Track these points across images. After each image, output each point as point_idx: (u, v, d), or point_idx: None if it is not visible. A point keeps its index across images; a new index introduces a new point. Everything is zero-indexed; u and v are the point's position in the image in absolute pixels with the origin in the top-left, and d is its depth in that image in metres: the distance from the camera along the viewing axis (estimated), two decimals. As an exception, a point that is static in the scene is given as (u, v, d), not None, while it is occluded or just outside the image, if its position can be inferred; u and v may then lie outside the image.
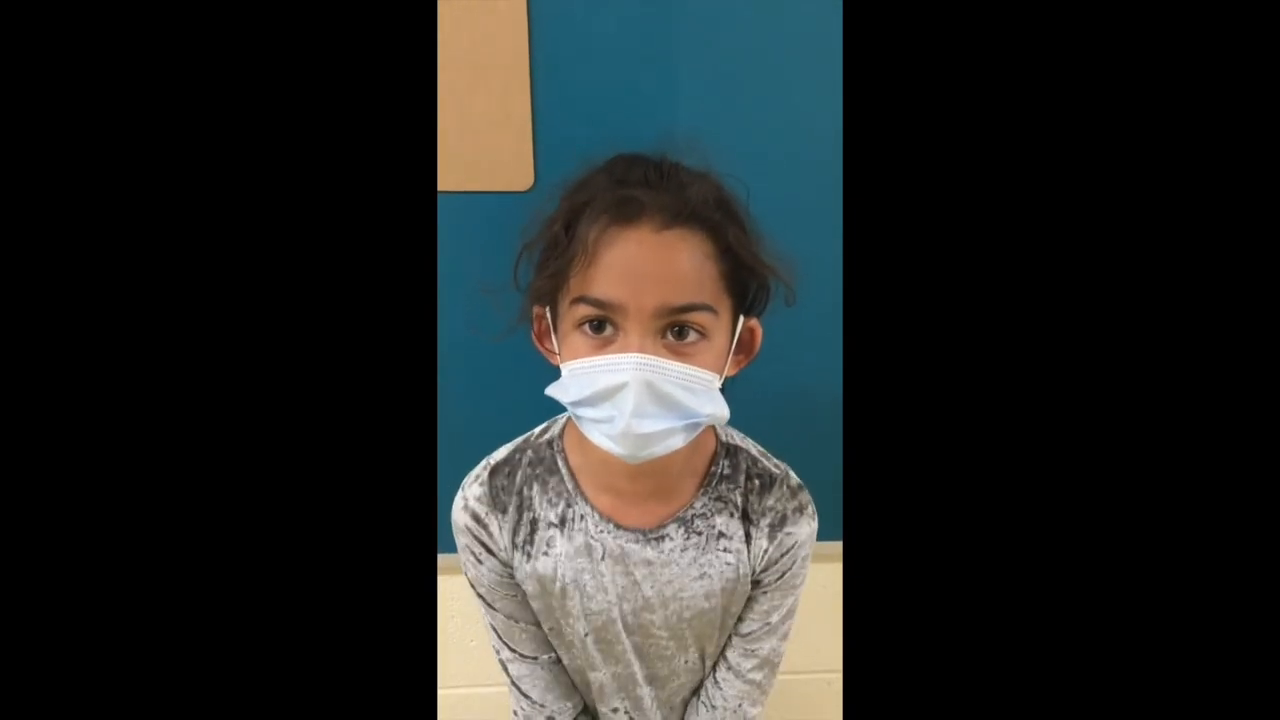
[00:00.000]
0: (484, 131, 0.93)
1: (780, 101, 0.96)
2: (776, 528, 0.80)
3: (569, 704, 0.89)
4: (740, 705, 0.87)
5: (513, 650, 0.86)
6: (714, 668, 0.88)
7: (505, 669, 0.88)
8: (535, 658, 0.86)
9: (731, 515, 0.80)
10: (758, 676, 0.86)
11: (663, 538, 0.79)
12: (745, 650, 0.86)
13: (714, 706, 0.87)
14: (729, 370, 0.72)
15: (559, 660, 0.88)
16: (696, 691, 0.90)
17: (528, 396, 0.87)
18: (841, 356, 0.51)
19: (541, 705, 0.87)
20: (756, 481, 0.81)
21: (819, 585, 1.19)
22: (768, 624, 0.84)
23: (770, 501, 0.81)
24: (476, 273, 0.93)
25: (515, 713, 0.90)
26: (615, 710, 0.88)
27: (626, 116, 0.95)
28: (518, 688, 0.87)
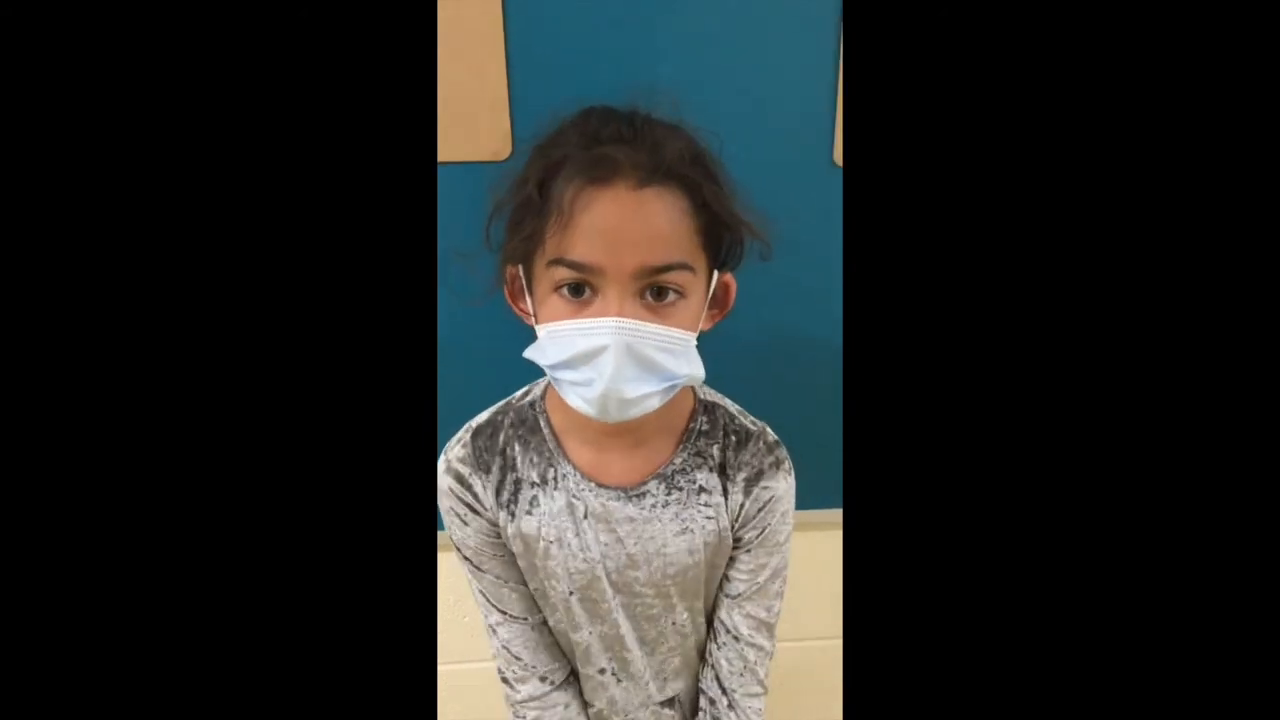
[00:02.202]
0: (459, 100, 0.91)
1: (764, 64, 0.93)
2: (752, 482, 0.81)
3: (558, 665, 0.89)
4: (744, 671, 0.87)
5: (502, 612, 0.85)
6: (714, 634, 0.88)
7: (494, 633, 0.87)
8: (525, 618, 0.86)
9: (711, 470, 0.80)
10: (759, 639, 0.86)
11: (644, 494, 0.79)
12: (743, 613, 0.85)
13: (722, 673, 0.87)
14: (704, 325, 0.72)
15: (546, 622, 0.88)
16: (689, 661, 0.90)
17: (523, 369, 0.87)
18: (841, 324, 0.50)
19: (533, 666, 0.87)
20: (734, 437, 0.82)
21: (819, 551, 1.20)
22: (757, 584, 0.84)
23: (746, 456, 0.81)
24: (457, 243, 0.92)
25: (505, 679, 0.89)
26: (602, 671, 0.88)
27: (605, 82, 0.91)
28: (508, 650, 0.86)
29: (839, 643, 1.29)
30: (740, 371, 0.89)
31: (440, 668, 1.25)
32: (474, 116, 0.92)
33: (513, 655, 0.86)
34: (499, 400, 0.86)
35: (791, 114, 0.95)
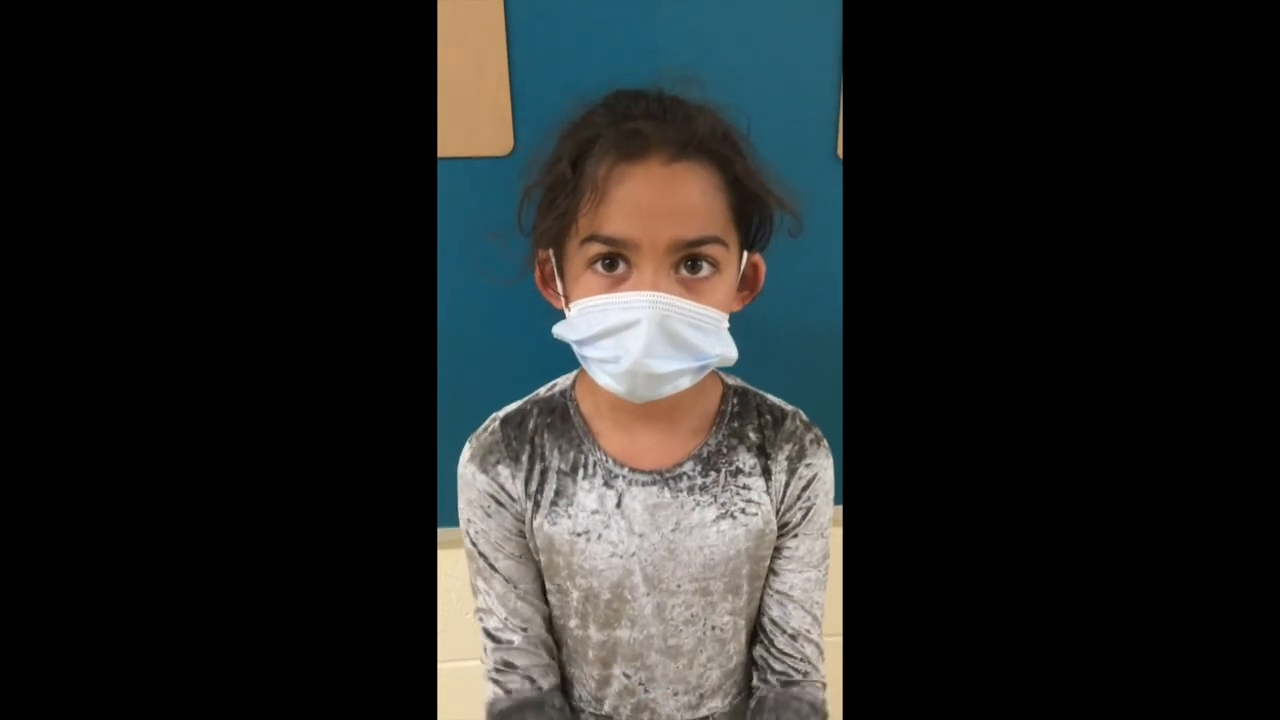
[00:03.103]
0: (460, 95, 0.90)
1: (767, 58, 0.93)
2: (795, 460, 0.79)
3: (554, 678, 0.84)
4: (809, 671, 0.82)
5: (507, 612, 0.80)
6: (766, 640, 0.83)
7: (493, 638, 0.82)
8: (527, 628, 0.81)
9: (749, 450, 0.79)
10: (815, 635, 0.82)
11: (680, 476, 0.77)
12: (798, 607, 0.81)
13: (782, 677, 0.82)
14: (734, 307, 0.72)
15: (549, 630, 0.83)
16: (729, 673, 0.85)
17: (521, 368, 0.87)
18: (841, 314, 0.50)
19: (529, 677, 0.82)
20: (769, 416, 0.80)
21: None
22: (805, 573, 0.81)
23: (785, 434, 0.79)
24: (461, 240, 0.92)
25: (496, 683, 0.82)
26: (627, 675, 0.82)
27: (607, 77, 0.91)
28: (504, 656, 0.81)
29: (838, 640, 1.29)
30: (741, 365, 0.88)
31: (440, 665, 1.25)
32: (476, 112, 0.91)
33: (508, 664, 0.81)
34: (497, 397, 0.85)
35: (795, 108, 0.94)
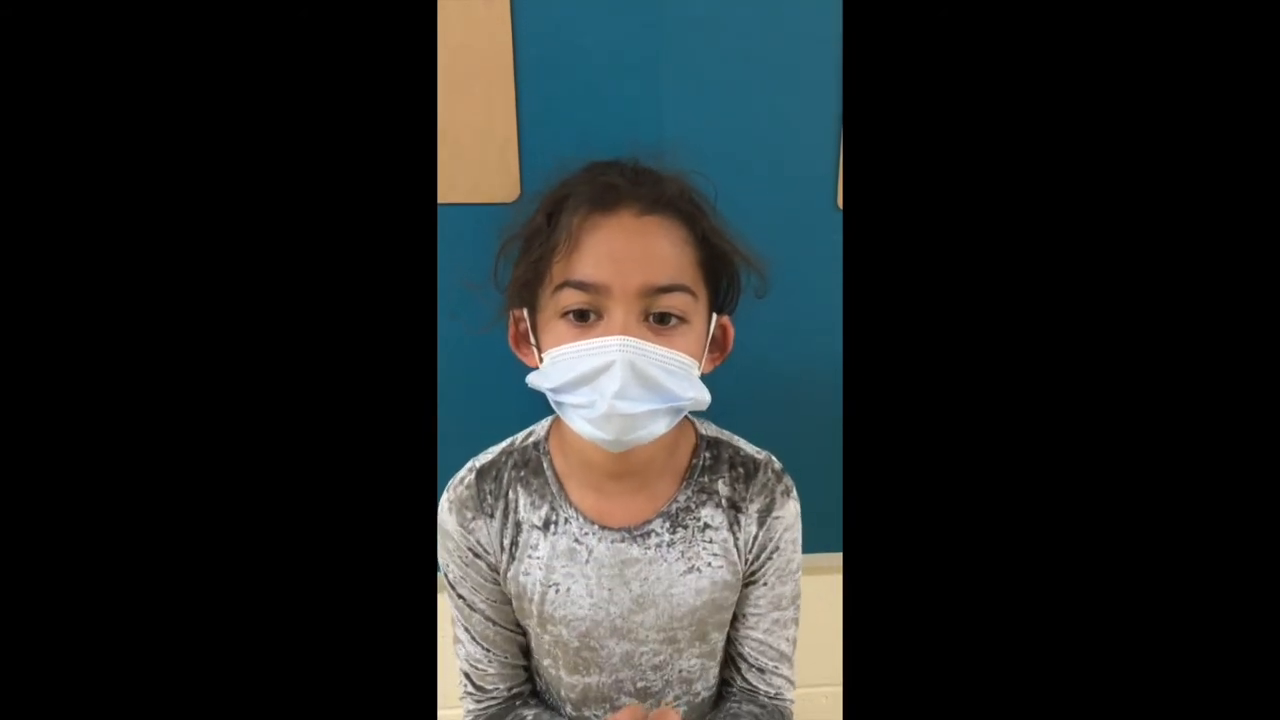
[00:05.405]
0: (468, 142, 0.92)
1: (770, 110, 0.95)
2: (765, 513, 0.80)
3: (526, 691, 0.88)
4: (776, 696, 0.86)
5: (485, 649, 0.84)
6: (735, 669, 0.86)
7: (469, 663, 0.85)
8: (505, 656, 0.84)
9: (717, 505, 0.80)
10: (784, 670, 0.85)
11: (648, 534, 0.78)
12: (767, 645, 0.84)
13: (750, 695, 0.85)
14: (704, 367, 0.73)
15: (525, 657, 0.87)
16: (696, 709, 0.87)
17: (519, 411, 0.88)
18: (841, 373, 0.51)
19: (500, 688, 0.85)
20: (741, 470, 0.82)
21: (817, 598, 1.18)
22: (775, 616, 0.83)
23: (756, 488, 0.81)
24: (466, 278, 0.92)
25: (471, 695, 0.86)
26: (598, 716, 0.85)
27: (613, 126, 0.94)
28: (478, 680, 0.85)
29: (838, 690, 1.27)
30: (743, 413, 0.89)
31: (441, 713, 1.23)
32: (483, 160, 0.93)
33: (475, 685, 0.85)
34: (496, 442, 0.86)
35: (796, 160, 0.97)
